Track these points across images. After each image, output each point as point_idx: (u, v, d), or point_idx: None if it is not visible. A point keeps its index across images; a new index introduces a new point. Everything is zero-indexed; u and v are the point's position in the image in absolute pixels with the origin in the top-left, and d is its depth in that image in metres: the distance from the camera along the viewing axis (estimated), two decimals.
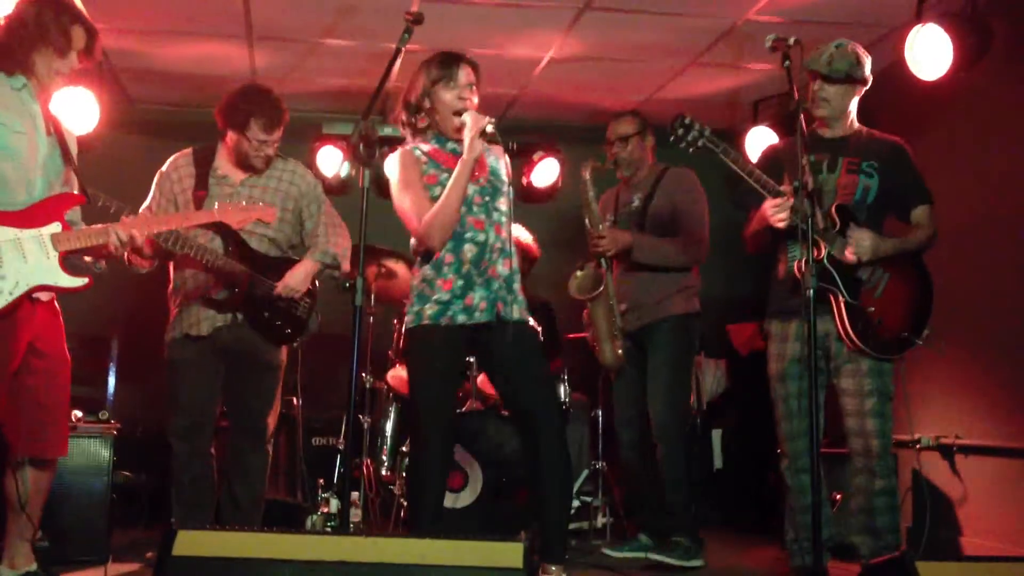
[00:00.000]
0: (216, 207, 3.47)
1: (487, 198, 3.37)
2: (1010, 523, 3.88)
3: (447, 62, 3.38)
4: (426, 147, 3.43)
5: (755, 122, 5.83)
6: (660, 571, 4.16)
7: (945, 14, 4.31)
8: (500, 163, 3.49)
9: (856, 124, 3.72)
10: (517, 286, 3.42)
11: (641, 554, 4.25)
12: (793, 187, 3.26)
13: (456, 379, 3.51)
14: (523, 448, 3.42)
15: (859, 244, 3.50)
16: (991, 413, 4.41)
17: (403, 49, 3.23)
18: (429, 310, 3.29)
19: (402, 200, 3.36)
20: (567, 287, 4.31)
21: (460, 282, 3.30)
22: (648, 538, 4.32)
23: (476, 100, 3.38)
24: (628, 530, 4.80)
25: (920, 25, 4.32)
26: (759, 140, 5.56)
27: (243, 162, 3.90)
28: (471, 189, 3.33)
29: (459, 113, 3.34)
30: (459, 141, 3.34)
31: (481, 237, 3.32)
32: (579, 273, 4.29)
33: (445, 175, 3.32)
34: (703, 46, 5.26)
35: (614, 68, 5.61)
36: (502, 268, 3.36)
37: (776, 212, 3.43)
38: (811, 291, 3.13)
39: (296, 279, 3.88)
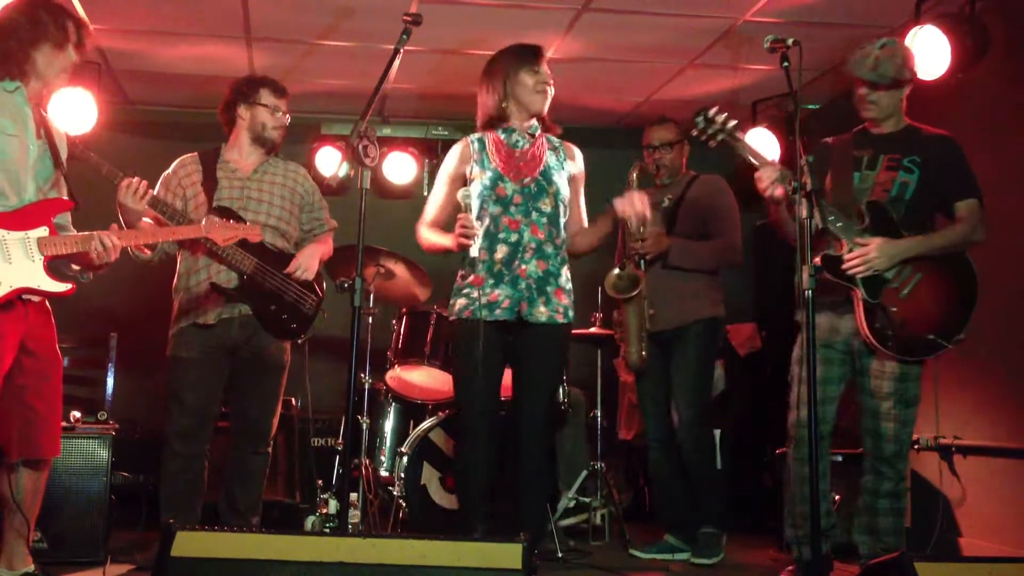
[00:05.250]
0: (204, 223, 3.52)
1: (529, 198, 3.49)
2: (1010, 523, 3.89)
3: (535, 51, 3.62)
4: (491, 136, 3.58)
5: (754, 123, 5.83)
6: (661, 571, 4.16)
7: (943, 15, 4.32)
8: (560, 162, 3.62)
9: (905, 120, 3.67)
10: (552, 288, 3.49)
11: (668, 555, 4.35)
12: (792, 187, 3.24)
13: (496, 373, 3.53)
14: (509, 452, 3.49)
15: (865, 258, 3.43)
16: (990, 413, 4.41)
17: (401, 50, 3.24)
18: (458, 305, 3.47)
19: (434, 190, 3.68)
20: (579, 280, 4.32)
21: (491, 280, 3.45)
22: (676, 539, 4.39)
23: (552, 90, 3.60)
24: (621, 528, 4.81)
25: (918, 26, 4.33)
26: (758, 141, 5.56)
27: (263, 136, 3.96)
28: (510, 188, 3.47)
29: (540, 92, 3.56)
30: (523, 135, 3.58)
31: (514, 237, 3.45)
32: (616, 272, 4.31)
33: (489, 173, 3.49)
34: (702, 47, 5.26)
35: (613, 69, 5.61)
36: (534, 268, 3.46)
37: (761, 180, 3.46)
38: (809, 292, 3.15)
39: (307, 257, 3.94)
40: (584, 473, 4.95)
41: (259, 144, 3.98)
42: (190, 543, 2.54)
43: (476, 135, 3.61)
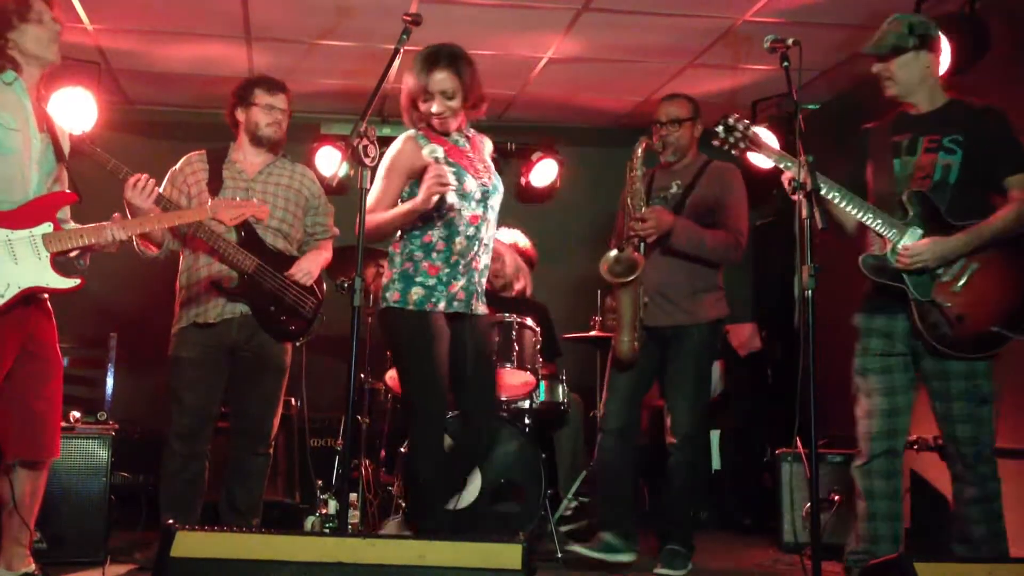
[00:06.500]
0: (210, 204, 3.47)
1: (487, 195, 3.45)
2: (1010, 523, 3.87)
3: (424, 67, 3.37)
4: (428, 133, 3.45)
5: (754, 123, 5.80)
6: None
7: (943, 15, 4.32)
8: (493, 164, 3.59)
9: (945, 96, 3.48)
10: (484, 281, 3.51)
11: (608, 555, 4.02)
12: (792, 187, 3.21)
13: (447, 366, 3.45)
14: (455, 444, 3.47)
15: (915, 258, 3.26)
16: None
17: (401, 50, 3.24)
18: (415, 295, 3.34)
19: (377, 184, 3.40)
20: (558, 290, 4.13)
21: (447, 269, 3.37)
22: (616, 538, 4.06)
23: (454, 104, 3.37)
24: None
25: None
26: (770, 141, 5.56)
27: (258, 135, 3.96)
28: (473, 184, 3.39)
29: (440, 120, 3.38)
30: (460, 134, 3.47)
31: (472, 231, 3.40)
32: (614, 254, 4.02)
33: (452, 168, 3.36)
34: (701, 47, 5.26)
35: (612, 69, 5.62)
36: (484, 261, 3.47)
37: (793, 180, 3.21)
38: (809, 292, 3.08)
39: (310, 262, 3.94)
40: (583, 474, 4.95)
41: (258, 144, 3.98)
42: (190, 543, 2.54)
43: (415, 132, 3.44)
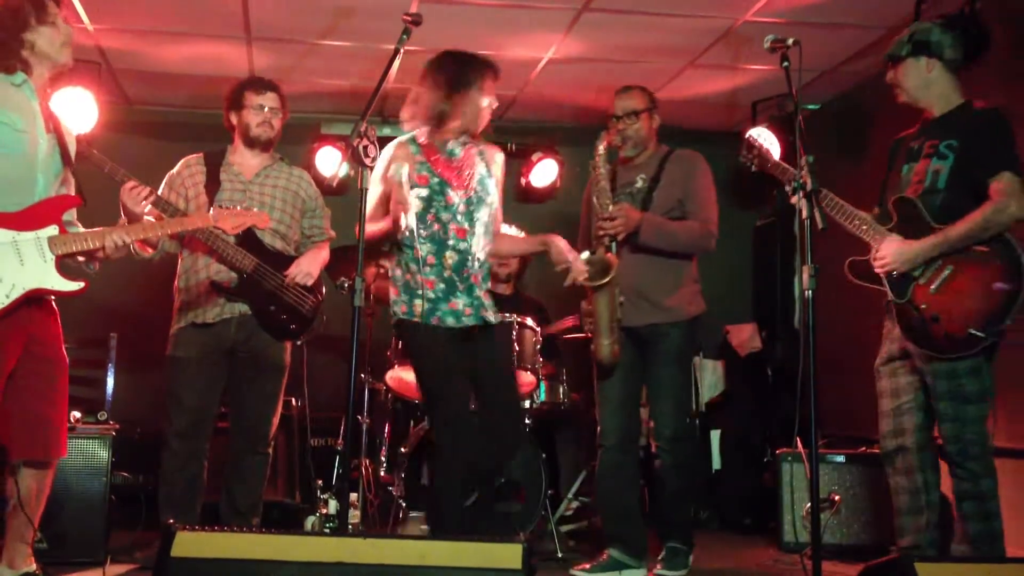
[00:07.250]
0: (212, 213, 3.50)
1: (472, 207, 3.44)
2: (1010, 523, 3.87)
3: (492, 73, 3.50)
4: (422, 141, 3.47)
5: (754, 123, 5.83)
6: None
7: (943, 15, 4.31)
8: (491, 171, 3.54)
9: (959, 99, 3.48)
10: (487, 290, 3.52)
11: (616, 573, 3.96)
12: (793, 187, 3.22)
13: (465, 375, 3.46)
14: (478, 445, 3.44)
15: (882, 263, 3.38)
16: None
17: (401, 50, 3.25)
18: (420, 306, 3.36)
19: (370, 191, 3.37)
20: (563, 280, 3.99)
21: (442, 285, 3.38)
22: (622, 554, 3.99)
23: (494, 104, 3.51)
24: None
25: None
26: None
27: (250, 137, 3.97)
28: (456, 198, 3.40)
29: (486, 118, 3.48)
30: (457, 143, 3.47)
31: (463, 245, 3.41)
32: (584, 257, 3.82)
33: (436, 179, 3.39)
34: (702, 47, 5.26)
35: (613, 69, 5.61)
36: (483, 275, 3.47)
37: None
38: (809, 292, 3.09)
39: (309, 261, 3.96)
40: (584, 473, 4.95)
41: (251, 145, 3.99)
42: (190, 543, 2.55)
43: (407, 136, 3.48)
